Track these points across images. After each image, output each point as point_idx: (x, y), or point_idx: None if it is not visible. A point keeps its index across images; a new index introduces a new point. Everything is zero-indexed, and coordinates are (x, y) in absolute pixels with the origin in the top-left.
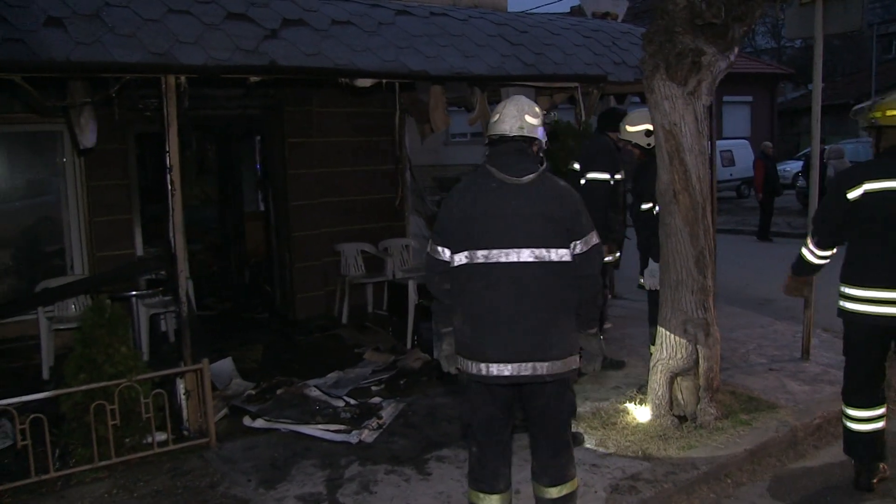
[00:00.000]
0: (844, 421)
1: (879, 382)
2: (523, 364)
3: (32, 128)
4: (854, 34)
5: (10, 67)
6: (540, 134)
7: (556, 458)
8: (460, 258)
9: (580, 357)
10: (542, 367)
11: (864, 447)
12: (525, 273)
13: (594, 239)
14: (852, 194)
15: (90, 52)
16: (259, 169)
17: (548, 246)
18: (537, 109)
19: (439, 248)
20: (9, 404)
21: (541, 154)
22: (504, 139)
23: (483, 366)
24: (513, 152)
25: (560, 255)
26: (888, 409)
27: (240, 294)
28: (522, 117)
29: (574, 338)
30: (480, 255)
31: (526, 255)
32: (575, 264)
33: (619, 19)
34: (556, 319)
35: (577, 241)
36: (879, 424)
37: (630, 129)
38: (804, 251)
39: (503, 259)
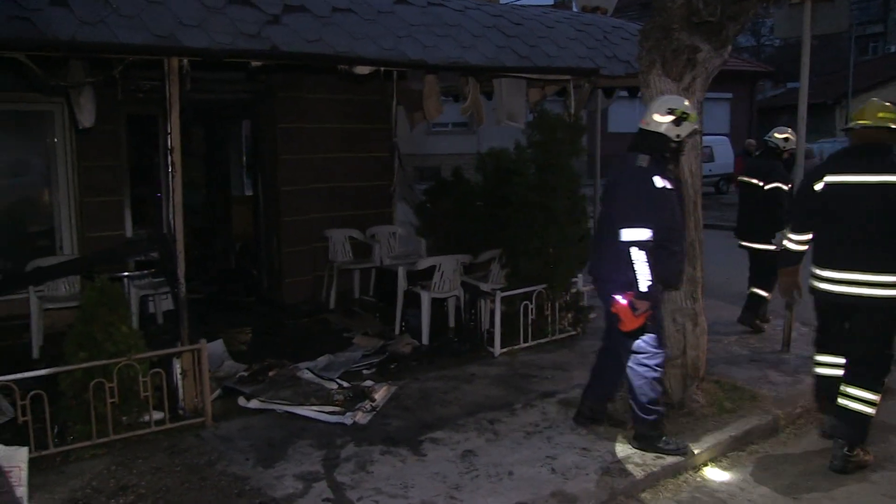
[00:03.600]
0: (814, 368)
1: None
2: None
3: (25, 107)
4: (834, 35)
5: (15, 45)
6: None
7: None
8: None
9: None
10: None
11: (826, 390)
12: None
13: None
14: (817, 186)
15: (95, 32)
16: (246, 153)
17: None
18: None
19: None
20: (9, 380)
21: None
22: None
23: None
24: None
25: None
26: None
27: (225, 278)
28: None
29: None
30: None
31: None
32: None
33: (609, 14)
34: None
35: None
36: (839, 371)
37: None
38: (785, 241)
39: None
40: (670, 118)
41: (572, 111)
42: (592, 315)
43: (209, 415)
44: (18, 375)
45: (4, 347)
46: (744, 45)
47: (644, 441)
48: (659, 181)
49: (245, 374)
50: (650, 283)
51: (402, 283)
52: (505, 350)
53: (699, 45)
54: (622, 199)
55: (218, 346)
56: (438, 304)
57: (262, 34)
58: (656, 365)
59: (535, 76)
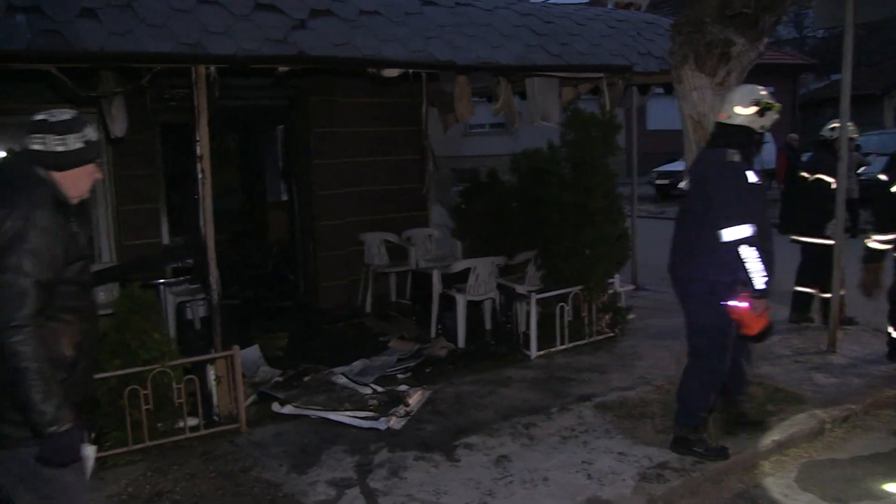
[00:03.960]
0: None
1: None
2: None
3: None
4: (883, 22)
5: (46, 58)
6: None
7: None
8: None
9: None
10: None
11: None
12: None
13: None
14: (893, 188)
15: (123, 42)
16: (282, 158)
17: None
18: None
19: None
20: None
21: None
22: None
23: None
24: None
25: None
26: None
27: (263, 283)
28: None
29: None
30: None
31: None
32: None
33: (643, 9)
34: None
35: None
36: None
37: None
38: (868, 241)
39: None
40: (754, 109)
41: (606, 109)
42: (631, 316)
43: (243, 421)
44: None
45: None
46: (786, 37)
47: (682, 445)
48: (751, 176)
49: (280, 379)
50: (766, 278)
51: (437, 286)
52: (541, 353)
53: (733, 39)
54: (717, 196)
55: (253, 351)
56: (474, 307)
57: (289, 39)
58: (722, 373)
59: (567, 74)
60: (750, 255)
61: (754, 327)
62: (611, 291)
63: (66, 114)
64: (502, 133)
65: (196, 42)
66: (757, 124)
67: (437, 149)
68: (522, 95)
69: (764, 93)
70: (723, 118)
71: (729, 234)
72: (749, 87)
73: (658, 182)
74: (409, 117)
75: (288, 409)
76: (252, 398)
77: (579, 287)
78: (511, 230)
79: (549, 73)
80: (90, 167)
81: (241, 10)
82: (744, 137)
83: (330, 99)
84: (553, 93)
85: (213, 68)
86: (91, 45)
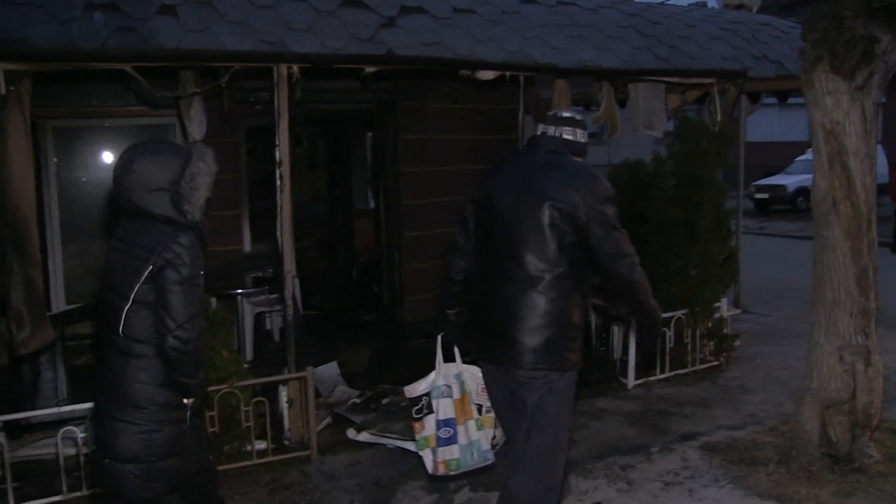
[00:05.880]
0: None
1: None
2: None
3: (145, 121)
4: None
5: (120, 57)
6: None
7: None
8: None
9: None
10: None
11: None
12: None
13: None
14: None
15: (200, 39)
16: (370, 165)
17: None
18: None
19: None
20: None
21: None
22: None
23: None
24: None
25: None
26: None
27: (347, 293)
28: None
29: None
30: None
31: None
32: None
33: (755, 11)
34: None
35: None
36: None
37: None
38: None
39: None
40: None
41: (718, 118)
42: (737, 343)
43: (314, 447)
44: None
45: None
46: None
47: None
48: None
49: (358, 400)
50: None
51: None
52: (639, 382)
53: (878, 35)
54: None
55: (331, 368)
56: None
57: (377, 38)
58: None
59: (674, 80)
60: None
61: None
62: (716, 316)
63: (580, 114)
64: (595, 143)
65: (277, 40)
66: None
67: None
68: (621, 103)
69: None
70: None
71: None
72: None
73: (757, 196)
74: (505, 125)
75: (364, 437)
76: (327, 420)
77: (683, 311)
78: None
79: (656, 78)
80: None
81: (327, 6)
82: None
83: (421, 104)
84: (659, 100)
85: (295, 68)
86: (167, 42)
